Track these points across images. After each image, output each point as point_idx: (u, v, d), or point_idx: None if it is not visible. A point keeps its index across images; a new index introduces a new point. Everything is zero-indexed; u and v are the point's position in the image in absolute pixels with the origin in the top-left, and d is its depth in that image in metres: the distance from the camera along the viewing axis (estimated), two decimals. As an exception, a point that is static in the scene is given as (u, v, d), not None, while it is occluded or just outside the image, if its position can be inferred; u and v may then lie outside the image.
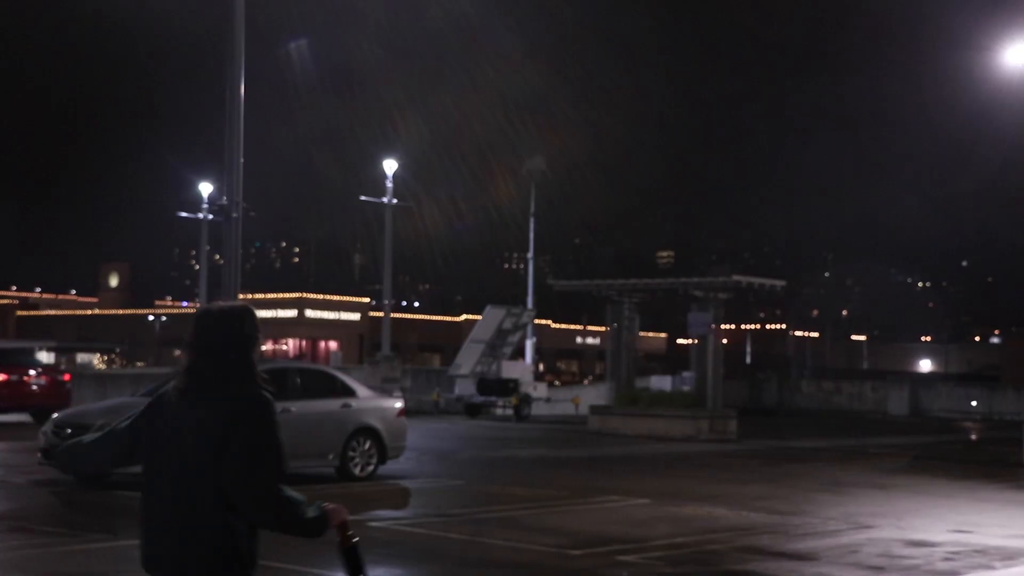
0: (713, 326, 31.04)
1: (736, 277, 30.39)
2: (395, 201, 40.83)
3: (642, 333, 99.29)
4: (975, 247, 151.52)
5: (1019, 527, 15.40)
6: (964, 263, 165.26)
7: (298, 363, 27.65)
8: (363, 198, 42.23)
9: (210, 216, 46.42)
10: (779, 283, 33.35)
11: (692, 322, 31.14)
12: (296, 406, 17.92)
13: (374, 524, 14.32)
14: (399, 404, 19.82)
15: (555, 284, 37.74)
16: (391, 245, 40.39)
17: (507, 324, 39.42)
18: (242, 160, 13.61)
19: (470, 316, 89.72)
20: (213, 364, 4.24)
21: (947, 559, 12.73)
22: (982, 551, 13.29)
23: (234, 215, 13.45)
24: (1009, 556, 13.02)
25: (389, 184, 40.78)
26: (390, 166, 40.94)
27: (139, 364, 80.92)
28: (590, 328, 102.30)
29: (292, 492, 4.24)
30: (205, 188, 48.91)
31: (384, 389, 28.62)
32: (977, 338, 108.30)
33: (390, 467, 19.63)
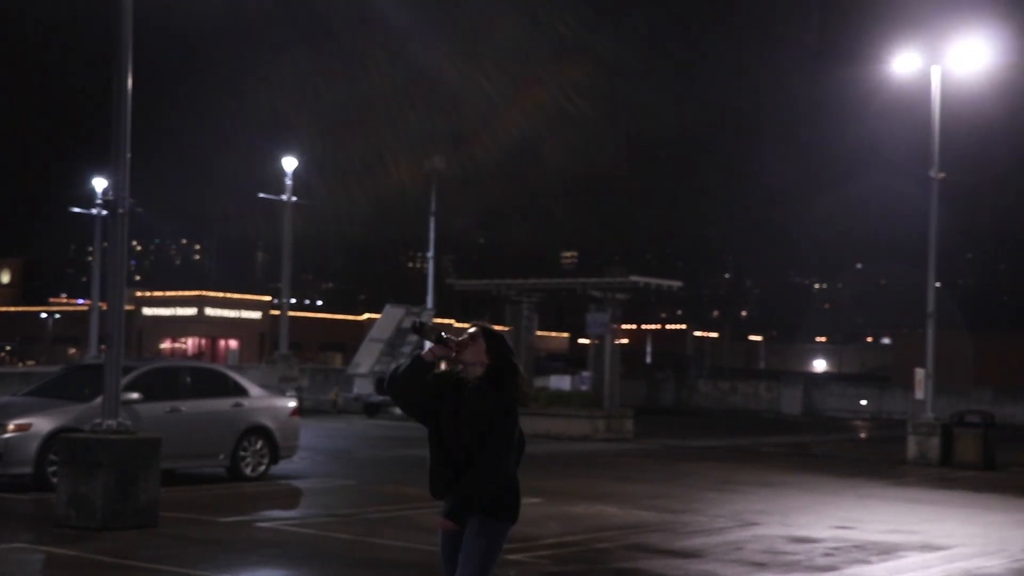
0: (615, 325, 31.29)
1: (633, 278, 30.69)
2: (294, 199, 40.51)
3: (545, 333, 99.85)
4: (870, 251, 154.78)
5: (899, 523, 15.80)
6: (859, 266, 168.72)
7: (189, 362, 27.29)
8: (262, 195, 41.83)
9: (104, 212, 45.53)
10: (675, 284, 33.75)
11: (590, 322, 31.39)
12: (186, 405, 17.72)
13: (262, 524, 14.22)
14: (292, 403, 19.67)
15: (455, 283, 37.75)
16: (290, 243, 40.05)
17: (406, 323, 39.30)
18: (129, 155, 13.39)
19: (372, 315, 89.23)
20: (502, 369, 6.26)
21: (827, 555, 13.02)
22: (861, 546, 13.61)
23: (120, 211, 13.22)
24: (886, 551, 13.35)
25: (288, 182, 40.43)
26: (289, 163, 40.60)
27: (30, 363, 79.11)
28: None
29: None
30: (99, 183, 48.00)
31: (281, 388, 28.40)
32: (870, 339, 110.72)
33: (283, 467, 19.49)
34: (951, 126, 28.71)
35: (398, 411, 38.69)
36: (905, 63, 26.64)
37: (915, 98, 27.42)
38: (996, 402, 44.51)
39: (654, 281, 31.82)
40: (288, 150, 41.21)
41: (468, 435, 6.19)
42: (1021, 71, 28.31)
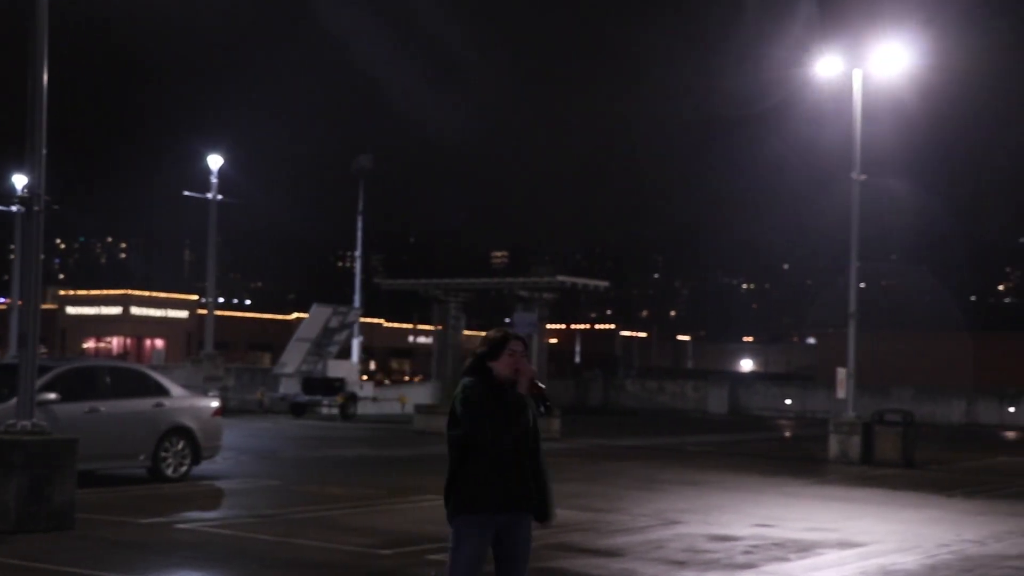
0: (548, 325, 31.33)
1: (560, 277, 30.77)
2: (220, 197, 40.07)
3: (477, 333, 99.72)
4: (796, 252, 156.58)
5: (818, 520, 15.99)
6: (786, 266, 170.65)
7: (109, 362, 26.87)
8: (187, 193, 41.32)
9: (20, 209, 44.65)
10: (602, 284, 33.91)
11: (517, 321, 31.43)
12: (105, 406, 17.47)
13: (181, 526, 14.05)
14: (215, 403, 19.47)
15: (382, 282, 37.58)
16: (215, 241, 39.64)
17: (333, 322, 39.11)
18: (45, 152, 13.17)
19: (301, 314, 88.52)
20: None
21: (747, 552, 13.14)
22: (780, 544, 13.75)
23: (36, 208, 12.99)
24: (805, 548, 13.50)
25: (214, 179, 39.98)
26: (215, 161, 40.15)
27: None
28: (422, 327, 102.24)
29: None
30: (20, 180, 47.10)
31: (204, 388, 28.10)
32: (796, 339, 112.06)
33: (205, 468, 19.28)
34: (873, 129, 29.14)
35: (325, 410, 38.47)
36: (828, 67, 26.99)
37: (840, 100, 27.77)
38: (916, 401, 45.29)
39: (581, 281, 31.93)
40: (215, 148, 40.77)
41: (530, 440, 6.41)
42: (941, 74, 28.80)
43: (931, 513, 17.41)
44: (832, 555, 13.15)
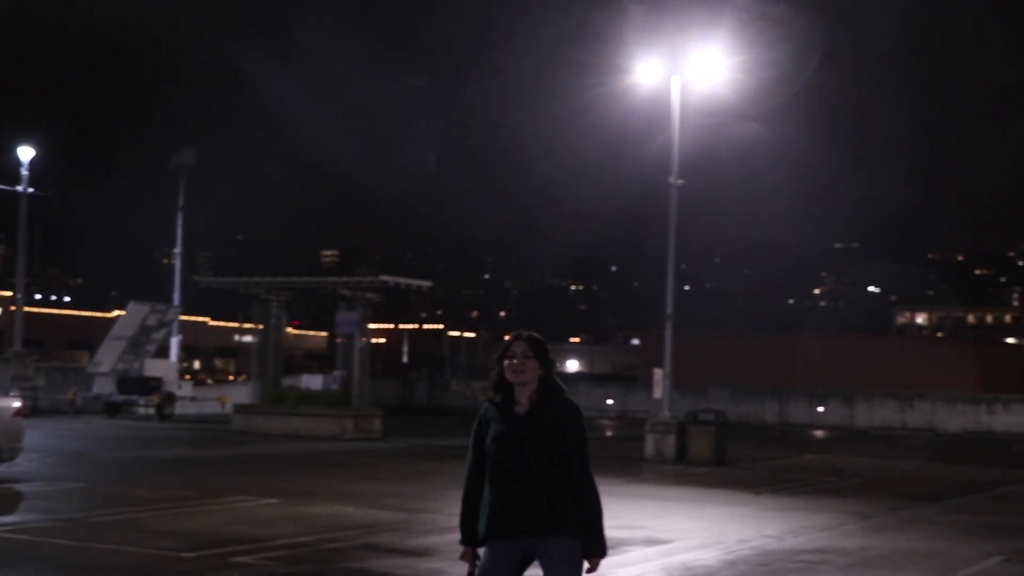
0: (376, 325, 31.10)
1: (383, 277, 30.64)
2: (31, 190, 38.58)
3: (304, 332, 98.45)
4: (623, 254, 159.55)
5: (628, 519, 16.24)
6: (613, 268, 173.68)
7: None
8: (-1, 186, 39.70)
9: None
10: (426, 284, 33.91)
11: (340, 321, 31.19)
12: None
13: (-27, 531, 13.45)
14: (16, 403, 18.74)
15: (201, 280, 36.83)
16: (25, 236, 38.21)
17: (151, 321, 38.12)
18: None
19: (122, 312, 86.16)
20: (552, 378, 5.88)
21: (554, 551, 13.25)
22: (589, 542, 13.91)
23: None
24: (612, 546, 13.50)
25: (25, 172, 38.47)
26: (26, 153, 38.64)
27: None
28: (247, 326, 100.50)
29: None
30: None
31: (4, 388, 27.05)
32: (622, 340, 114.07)
33: (4, 470, 18.54)
34: (696, 134, 29.82)
35: (141, 410, 37.47)
36: (647, 73, 27.52)
37: (660, 106, 28.32)
38: (732, 401, 46.57)
39: (404, 280, 31.86)
40: (29, 139, 39.23)
41: (541, 454, 5.74)
42: (758, 80, 29.62)
43: (737, 510, 17.89)
44: (638, 552, 13.38)
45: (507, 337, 5.96)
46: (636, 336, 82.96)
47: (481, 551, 5.88)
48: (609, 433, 40.34)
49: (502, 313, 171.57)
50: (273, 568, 11.78)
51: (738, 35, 27.55)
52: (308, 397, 31.81)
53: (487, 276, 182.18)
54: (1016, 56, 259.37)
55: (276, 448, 27.45)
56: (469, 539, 5.92)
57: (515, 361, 5.80)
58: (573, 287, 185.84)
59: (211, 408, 40.12)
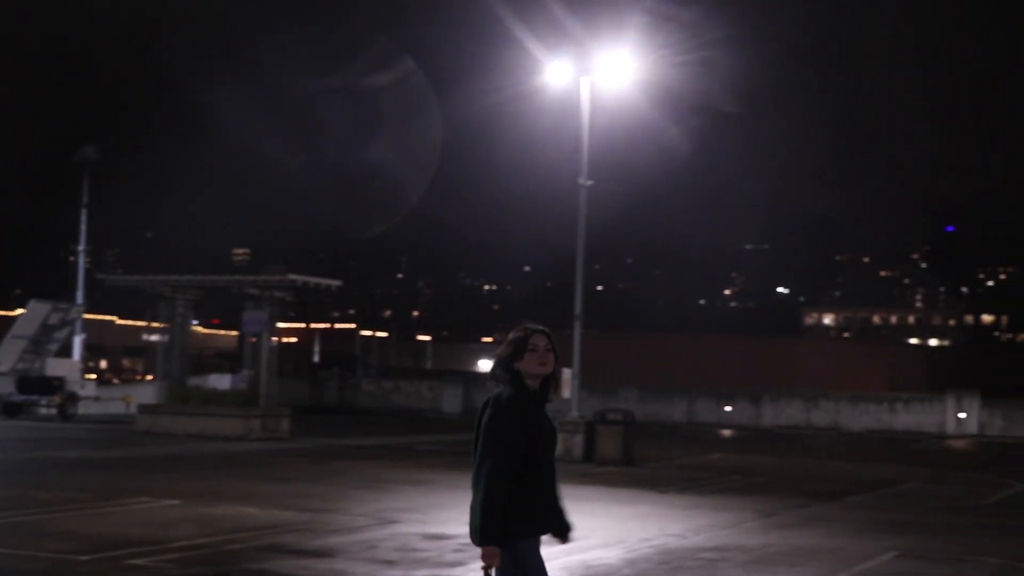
0: (288, 324, 30.80)
1: (291, 276, 30.39)
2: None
3: (215, 331, 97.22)
4: (536, 254, 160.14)
5: (533, 518, 16.28)
6: (527, 268, 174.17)
7: None
8: None
9: None
10: (335, 283, 33.70)
11: (247, 320, 30.89)
12: None
13: None
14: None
15: (106, 278, 36.20)
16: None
17: (53, 319, 37.39)
18: None
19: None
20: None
21: (457, 551, 13.25)
22: (492, 542, 13.92)
23: None
24: (515, 546, 13.70)
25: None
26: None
27: None
28: (156, 325, 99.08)
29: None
30: None
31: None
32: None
33: None
34: (603, 134, 29.99)
35: (43, 411, 36.74)
36: (557, 74, 27.63)
37: (570, 107, 28.45)
38: (642, 401, 46.95)
39: (313, 280, 31.61)
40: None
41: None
42: (669, 81, 29.89)
43: (642, 509, 18.02)
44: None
45: (518, 331, 5.87)
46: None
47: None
48: (519, 433, 40.38)
49: (415, 313, 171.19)
50: (169, 570, 11.61)
51: (648, 36, 27.78)
52: (214, 397, 31.44)
53: (400, 276, 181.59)
54: (923, 57, 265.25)
55: (181, 449, 27.08)
56: (501, 539, 5.80)
57: (543, 353, 5.80)
58: (487, 287, 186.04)
59: (116, 408, 39.48)
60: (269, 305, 30.46)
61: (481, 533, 5.75)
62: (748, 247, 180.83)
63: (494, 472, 5.69)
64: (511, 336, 5.92)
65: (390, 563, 12.37)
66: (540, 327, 5.91)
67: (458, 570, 12.10)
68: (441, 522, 15.54)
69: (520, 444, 5.72)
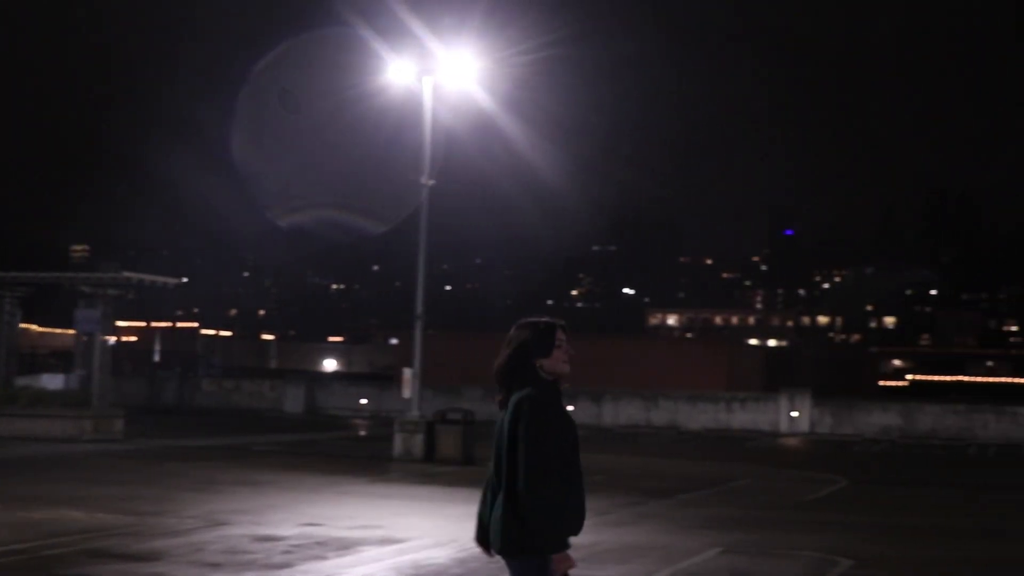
0: (127, 322, 30.00)
1: (127, 274, 29.62)
2: None
3: (51, 329, 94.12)
4: (385, 253, 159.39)
5: (368, 518, 16.23)
6: (375, 267, 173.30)
7: None
8: None
9: None
10: (172, 280, 32.97)
11: (79, 319, 30.01)
12: None
13: None
14: None
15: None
16: None
17: None
18: None
19: None
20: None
21: (286, 552, 13.12)
22: (323, 543, 13.83)
23: None
24: (346, 546, 13.64)
25: None
26: None
27: None
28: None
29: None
30: None
31: None
32: (381, 339, 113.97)
33: None
34: (446, 134, 30.02)
35: None
36: (400, 74, 27.56)
37: (413, 107, 28.40)
38: (486, 400, 47.05)
39: (149, 277, 30.85)
40: None
41: None
42: (512, 81, 30.07)
43: (476, 508, 18.07)
44: (372, 552, 13.37)
45: (540, 325, 5.54)
46: (395, 336, 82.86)
47: None
48: (362, 432, 40.28)
49: (261, 311, 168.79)
50: (-17, 577, 11.22)
51: (492, 36, 27.92)
52: (44, 397, 30.45)
53: (246, 274, 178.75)
54: (767, 59, 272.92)
55: (5, 451, 26.13)
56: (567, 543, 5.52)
57: (565, 349, 5.53)
58: (334, 286, 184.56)
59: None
60: (103, 303, 29.63)
61: (553, 541, 5.48)
62: (595, 248, 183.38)
63: (551, 476, 5.40)
64: (535, 331, 5.55)
65: (216, 566, 12.17)
66: (560, 321, 5.62)
67: (284, 572, 11.98)
68: (273, 524, 15.36)
69: (566, 445, 5.50)
